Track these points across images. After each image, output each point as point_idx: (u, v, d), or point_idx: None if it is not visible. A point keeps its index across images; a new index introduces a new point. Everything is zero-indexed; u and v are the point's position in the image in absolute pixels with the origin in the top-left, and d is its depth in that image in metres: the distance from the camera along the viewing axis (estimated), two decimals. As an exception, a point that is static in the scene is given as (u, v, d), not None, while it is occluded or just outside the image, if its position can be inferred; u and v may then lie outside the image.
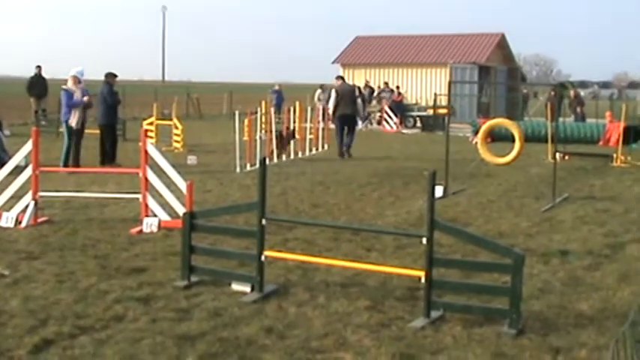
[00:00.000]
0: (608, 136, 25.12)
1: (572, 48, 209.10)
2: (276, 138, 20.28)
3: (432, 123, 33.02)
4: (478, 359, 5.97)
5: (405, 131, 33.07)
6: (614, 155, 20.13)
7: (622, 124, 21.50)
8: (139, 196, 10.93)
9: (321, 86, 38.20)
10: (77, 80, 16.95)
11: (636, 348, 2.79)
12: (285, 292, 7.64)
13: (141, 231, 10.46)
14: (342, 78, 23.32)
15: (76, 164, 16.79)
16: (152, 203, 10.83)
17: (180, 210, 10.24)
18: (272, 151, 19.74)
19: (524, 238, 10.47)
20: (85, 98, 17.15)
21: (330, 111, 21.96)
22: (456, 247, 9.37)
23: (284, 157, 20.33)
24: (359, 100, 26.51)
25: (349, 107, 21.60)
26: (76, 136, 17.01)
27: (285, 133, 21.08)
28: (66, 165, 16.62)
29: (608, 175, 17.61)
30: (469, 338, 6.40)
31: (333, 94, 22.02)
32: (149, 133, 19.66)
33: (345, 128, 21.38)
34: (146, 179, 10.77)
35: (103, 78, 19.00)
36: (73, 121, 16.96)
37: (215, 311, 7.01)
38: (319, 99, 36.52)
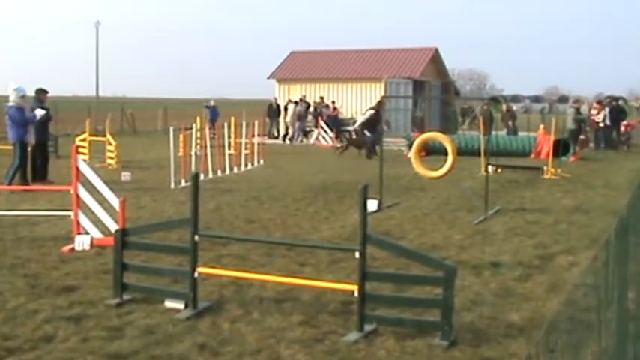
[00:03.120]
0: (539, 148, 25.60)
1: (505, 63, 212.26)
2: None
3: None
4: (410, 371, 6.02)
5: (340, 146, 33.18)
6: (545, 168, 20.53)
7: (552, 138, 21.94)
8: (71, 213, 10.78)
9: (298, 101, 37.61)
10: (22, 96, 16.63)
11: (550, 357, 2.84)
12: (218, 308, 7.61)
13: (73, 249, 10.31)
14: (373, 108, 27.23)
15: (26, 182, 16.52)
16: (84, 221, 10.69)
17: (113, 227, 10.12)
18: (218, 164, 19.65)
19: (457, 251, 10.59)
20: (40, 113, 16.89)
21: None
22: (390, 261, 9.41)
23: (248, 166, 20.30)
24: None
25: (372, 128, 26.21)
26: (26, 152, 16.66)
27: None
28: (11, 183, 16.19)
29: (539, 188, 17.93)
30: (402, 351, 6.45)
31: (361, 119, 27.84)
32: (82, 150, 19.47)
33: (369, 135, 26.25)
34: (78, 196, 10.62)
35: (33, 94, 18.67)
36: (32, 138, 16.73)
37: (148, 329, 6.95)
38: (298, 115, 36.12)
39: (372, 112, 26.60)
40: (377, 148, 24.73)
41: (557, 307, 7.78)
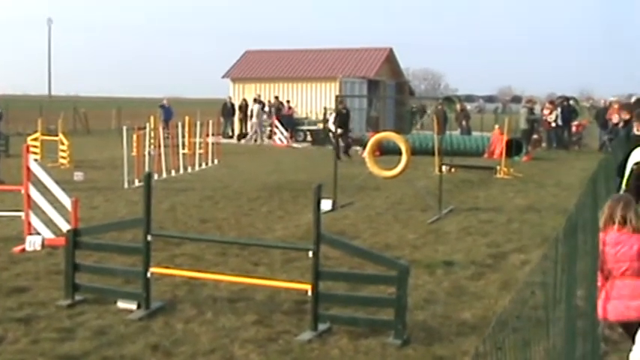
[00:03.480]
0: (493, 148, 25.78)
1: (459, 63, 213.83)
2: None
3: (322, 137, 33.26)
4: (364, 370, 6.04)
5: (295, 145, 33.25)
6: (498, 167, 20.73)
7: (505, 137, 22.15)
8: (22, 213, 10.64)
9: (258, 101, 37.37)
10: None
11: (498, 355, 2.88)
12: (172, 309, 7.57)
13: (24, 250, 10.18)
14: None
15: None
16: (35, 221, 10.55)
17: (65, 227, 10.01)
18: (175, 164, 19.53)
19: (411, 250, 10.66)
20: None
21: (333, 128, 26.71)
22: (343, 260, 9.43)
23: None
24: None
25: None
26: None
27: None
28: None
29: (492, 187, 18.11)
30: (355, 350, 6.47)
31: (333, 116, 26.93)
32: (33, 149, 19.23)
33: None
34: (29, 196, 10.49)
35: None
36: None
37: (99, 330, 6.89)
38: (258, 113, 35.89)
39: (334, 114, 26.78)
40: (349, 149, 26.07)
41: (507, 304, 7.87)
